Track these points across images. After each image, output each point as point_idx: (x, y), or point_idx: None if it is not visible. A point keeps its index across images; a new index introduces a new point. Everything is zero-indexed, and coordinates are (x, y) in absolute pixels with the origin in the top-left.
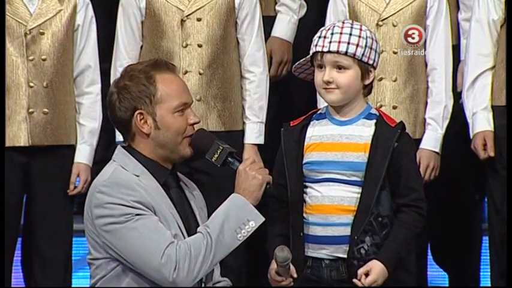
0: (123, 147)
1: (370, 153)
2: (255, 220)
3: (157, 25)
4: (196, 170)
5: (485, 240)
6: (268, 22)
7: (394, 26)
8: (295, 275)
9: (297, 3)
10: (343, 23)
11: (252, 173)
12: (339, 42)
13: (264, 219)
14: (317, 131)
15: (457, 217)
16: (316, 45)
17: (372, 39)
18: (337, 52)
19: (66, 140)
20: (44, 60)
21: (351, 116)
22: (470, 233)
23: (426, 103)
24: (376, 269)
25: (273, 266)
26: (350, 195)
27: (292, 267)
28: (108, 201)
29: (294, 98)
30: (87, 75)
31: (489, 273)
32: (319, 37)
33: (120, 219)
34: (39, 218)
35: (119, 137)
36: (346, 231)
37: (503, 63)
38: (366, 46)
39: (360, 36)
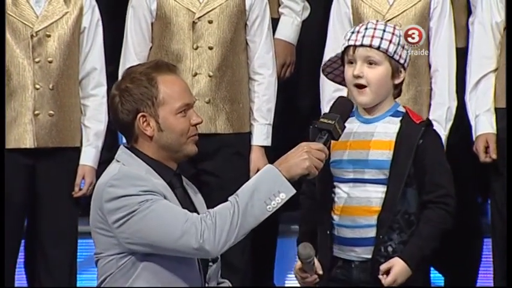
0: (126, 147)
1: (394, 150)
2: (286, 192)
3: (167, 27)
4: (204, 172)
5: (487, 242)
6: (272, 24)
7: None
8: (320, 272)
9: (300, 5)
10: (377, 20)
11: (305, 155)
12: (373, 36)
13: (295, 191)
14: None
15: (457, 219)
16: (349, 39)
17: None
18: (370, 46)
19: (71, 142)
20: (50, 62)
21: (379, 113)
22: (470, 236)
23: (430, 105)
24: (396, 267)
25: (298, 263)
26: (378, 195)
27: (317, 263)
28: (122, 194)
29: (297, 100)
30: (93, 78)
31: (485, 275)
32: (352, 32)
33: (135, 207)
34: (44, 219)
35: (124, 138)
36: (375, 232)
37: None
38: (398, 44)
39: (393, 34)
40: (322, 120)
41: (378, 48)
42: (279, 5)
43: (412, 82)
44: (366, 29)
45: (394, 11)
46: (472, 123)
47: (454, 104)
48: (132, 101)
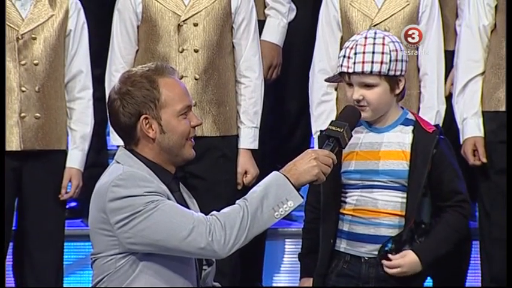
0: (126, 149)
1: (411, 161)
2: (293, 201)
3: (153, 30)
4: (191, 175)
5: (476, 244)
6: (258, 26)
7: (387, 31)
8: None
9: (286, 7)
10: (366, 38)
11: (314, 162)
12: (363, 62)
13: (302, 200)
14: (355, 139)
15: None
16: (341, 65)
17: (396, 50)
18: (362, 73)
19: (57, 145)
20: (36, 65)
21: (388, 123)
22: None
23: (419, 108)
24: (408, 257)
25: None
26: (394, 199)
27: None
28: (127, 194)
29: (286, 102)
30: (79, 81)
31: (473, 278)
32: (344, 57)
33: (140, 208)
34: (30, 222)
35: (114, 141)
36: (389, 232)
37: (492, 69)
38: (390, 61)
39: (383, 53)
40: (330, 127)
41: (371, 73)
42: (265, 7)
43: None
44: (356, 53)
45: (382, 14)
46: (460, 126)
47: (443, 107)
48: (134, 104)
